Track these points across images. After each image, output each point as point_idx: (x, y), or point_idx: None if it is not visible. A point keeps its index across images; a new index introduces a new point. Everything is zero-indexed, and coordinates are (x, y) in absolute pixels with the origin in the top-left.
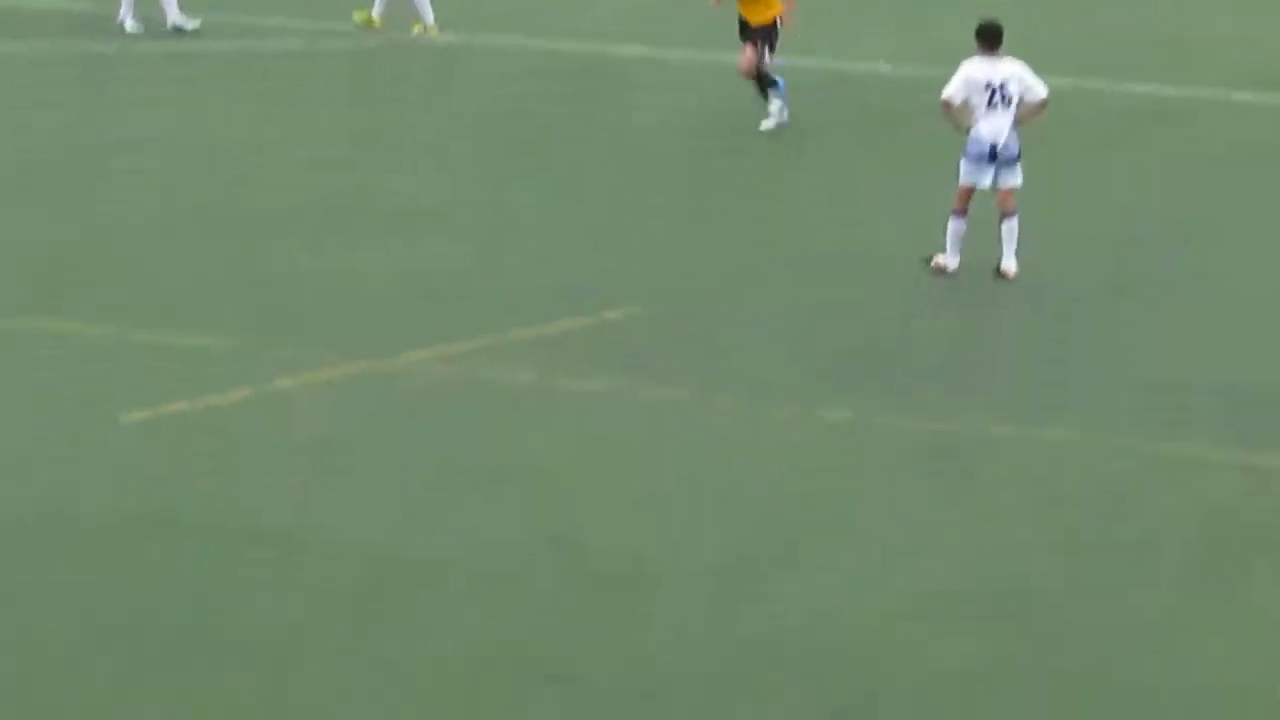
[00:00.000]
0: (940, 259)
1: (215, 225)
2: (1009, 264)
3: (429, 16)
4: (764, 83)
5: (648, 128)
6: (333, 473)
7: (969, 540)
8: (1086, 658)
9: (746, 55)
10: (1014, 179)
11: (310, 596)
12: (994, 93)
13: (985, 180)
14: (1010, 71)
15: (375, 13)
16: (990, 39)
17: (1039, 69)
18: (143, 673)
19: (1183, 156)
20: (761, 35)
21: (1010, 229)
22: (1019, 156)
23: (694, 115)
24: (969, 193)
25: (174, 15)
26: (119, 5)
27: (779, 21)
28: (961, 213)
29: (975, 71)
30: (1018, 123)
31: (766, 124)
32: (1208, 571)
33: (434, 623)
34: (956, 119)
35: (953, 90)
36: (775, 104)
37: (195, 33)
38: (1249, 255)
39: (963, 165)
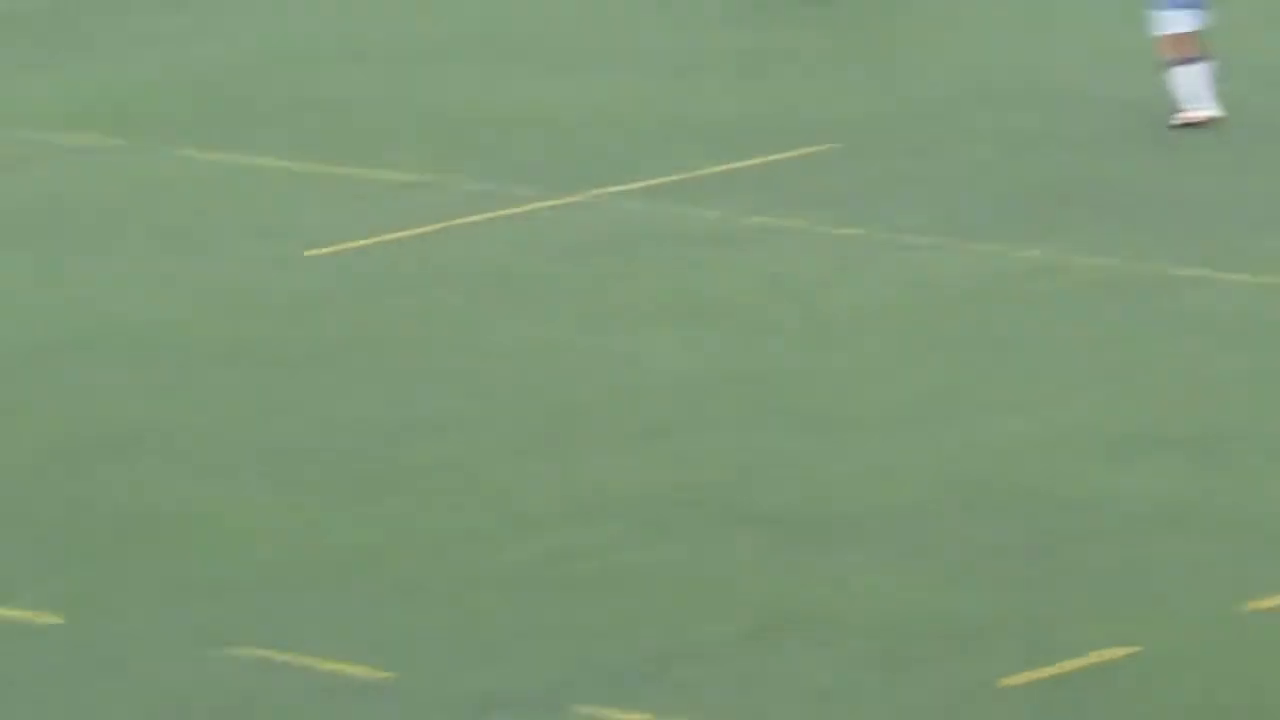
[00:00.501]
0: (1185, 115)
1: (401, 56)
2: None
3: None
4: None
5: None
6: (519, 308)
7: (1160, 381)
8: (1278, 500)
9: None
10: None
11: (496, 431)
12: None
13: (1200, 21)
14: None
15: None
16: None
17: None
18: (329, 503)
19: None
20: None
21: (1204, 69)
22: None
23: None
24: (1187, 39)
25: None
26: None
27: None
28: (1192, 59)
29: None
30: None
31: None
32: None
33: (625, 459)
34: None
35: None
36: None
37: None
38: None
39: (1169, 14)
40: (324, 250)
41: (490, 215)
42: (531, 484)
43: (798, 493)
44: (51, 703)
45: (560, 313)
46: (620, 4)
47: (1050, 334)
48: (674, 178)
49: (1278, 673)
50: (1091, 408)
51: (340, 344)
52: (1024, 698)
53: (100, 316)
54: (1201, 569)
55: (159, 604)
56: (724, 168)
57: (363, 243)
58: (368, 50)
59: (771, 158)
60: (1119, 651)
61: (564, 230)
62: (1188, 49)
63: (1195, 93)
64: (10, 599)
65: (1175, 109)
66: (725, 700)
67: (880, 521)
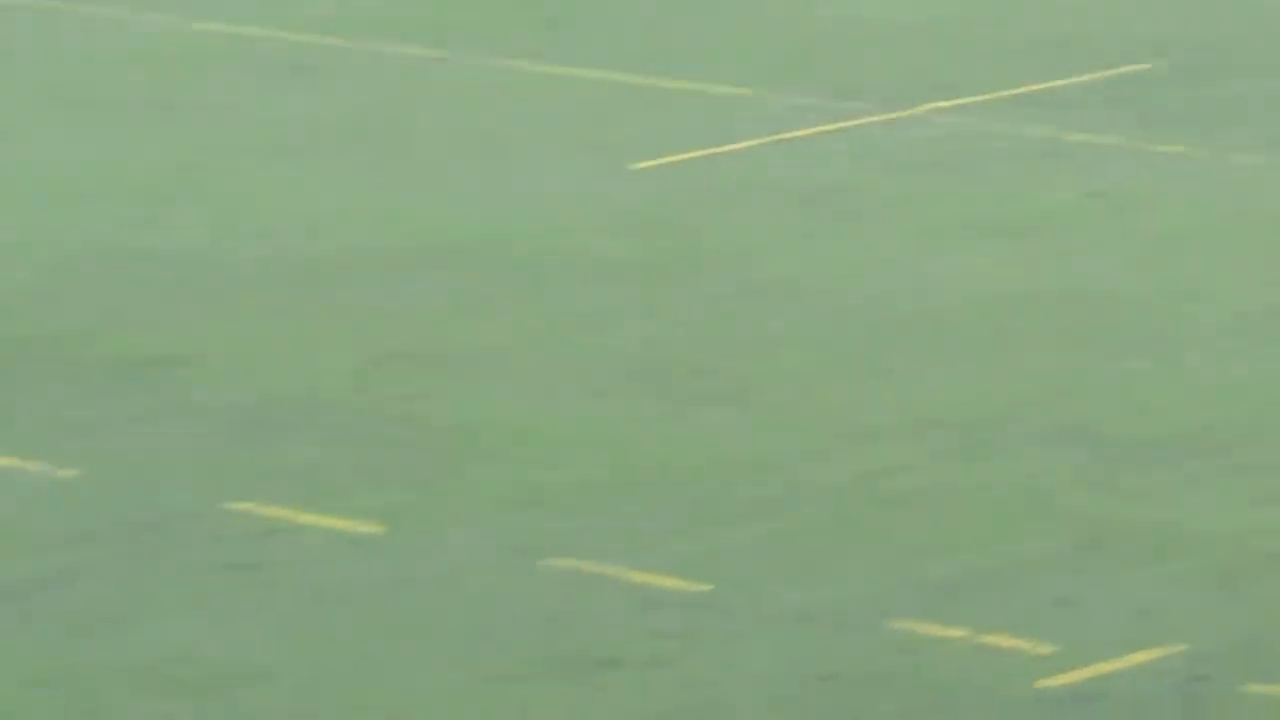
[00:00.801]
0: None
1: None
2: None
3: None
4: None
5: None
6: (845, 224)
7: None
8: None
9: None
10: None
11: (820, 346)
12: None
13: None
14: None
15: None
16: None
17: None
18: (648, 415)
19: None
20: None
21: None
22: None
23: None
24: None
25: None
26: None
27: None
28: None
29: None
30: None
31: None
32: None
33: (949, 375)
34: None
35: None
36: None
37: None
38: None
39: None
40: (649, 163)
41: (817, 130)
42: (854, 399)
43: (1120, 410)
44: (370, 612)
45: (886, 228)
46: None
47: None
48: (1001, 93)
49: None
50: None
51: (664, 257)
52: None
53: (421, 229)
54: None
55: (477, 515)
56: (1051, 84)
57: (688, 156)
58: None
59: (1100, 74)
60: None
61: (891, 145)
62: None
63: None
64: (333, 508)
65: None
66: (1044, 617)
67: (1203, 440)
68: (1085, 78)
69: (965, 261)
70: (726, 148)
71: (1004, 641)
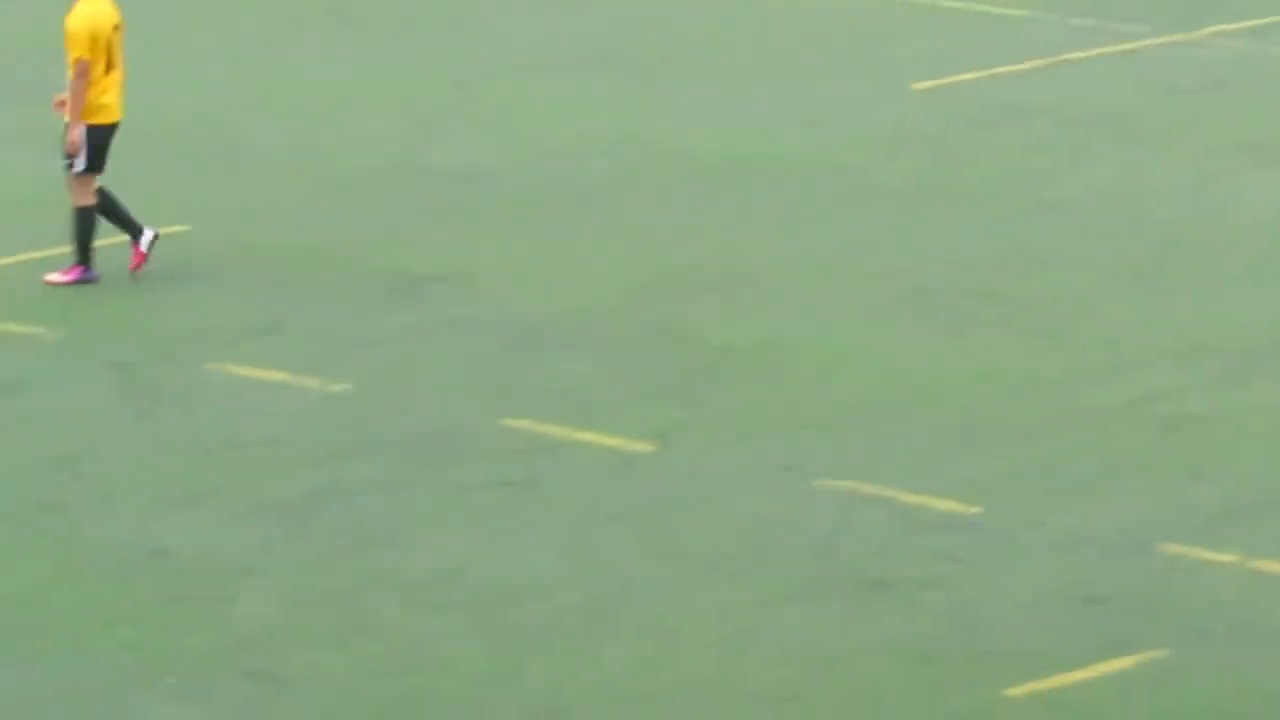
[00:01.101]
0: None
1: None
2: None
3: None
4: None
5: None
6: (1124, 145)
7: None
8: None
9: None
10: None
11: (1096, 268)
12: None
13: None
14: None
15: None
16: None
17: None
18: (920, 336)
19: None
20: None
21: None
22: None
23: None
24: None
25: None
26: None
27: None
28: None
29: None
30: None
31: None
32: None
33: (1225, 299)
34: None
35: None
36: None
37: None
38: None
39: None
40: (931, 83)
41: (1098, 51)
42: (1128, 323)
43: None
44: (641, 531)
45: (1164, 151)
46: None
47: None
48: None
49: None
50: None
51: (944, 177)
52: None
53: (695, 148)
54: None
55: (749, 436)
56: None
57: (968, 77)
58: None
59: None
60: None
61: (1172, 68)
62: None
63: None
64: (605, 426)
65: None
66: None
67: None
68: None
69: (1243, 185)
70: (1006, 69)
71: (1275, 567)
